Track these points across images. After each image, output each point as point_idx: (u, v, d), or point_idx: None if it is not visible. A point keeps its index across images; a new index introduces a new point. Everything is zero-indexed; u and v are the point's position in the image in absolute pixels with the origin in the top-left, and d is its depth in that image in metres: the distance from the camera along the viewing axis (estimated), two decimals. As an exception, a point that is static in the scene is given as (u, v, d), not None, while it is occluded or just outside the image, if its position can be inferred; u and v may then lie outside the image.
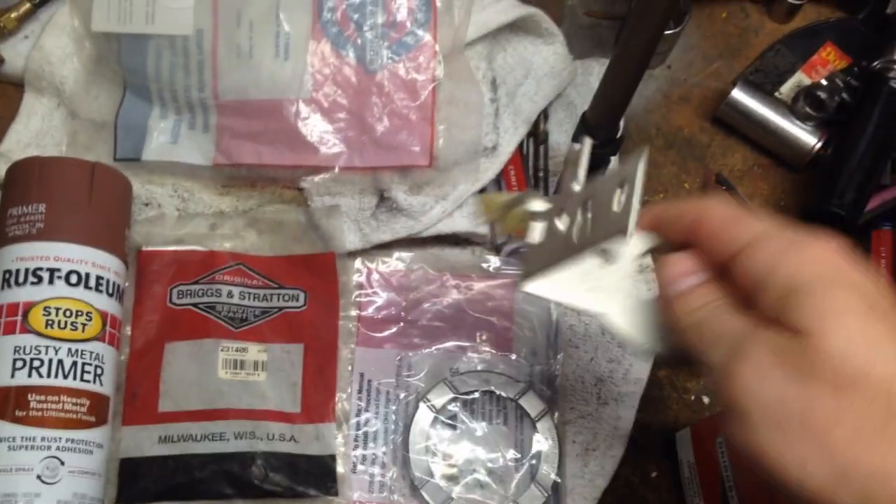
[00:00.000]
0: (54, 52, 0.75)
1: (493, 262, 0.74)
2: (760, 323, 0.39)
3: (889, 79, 0.75)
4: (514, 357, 0.71)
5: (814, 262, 0.38)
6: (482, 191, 0.75)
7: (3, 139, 0.75)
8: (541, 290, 0.47)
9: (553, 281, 0.46)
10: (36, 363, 0.60)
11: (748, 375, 0.37)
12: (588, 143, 0.52)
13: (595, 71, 0.81)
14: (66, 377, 0.61)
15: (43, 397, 0.60)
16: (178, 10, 0.72)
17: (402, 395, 0.70)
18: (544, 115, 0.79)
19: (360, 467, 0.68)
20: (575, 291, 0.46)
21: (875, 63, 0.77)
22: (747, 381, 0.37)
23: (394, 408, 0.70)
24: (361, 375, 0.70)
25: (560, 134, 0.79)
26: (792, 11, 0.86)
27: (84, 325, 0.62)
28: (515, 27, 0.78)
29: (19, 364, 0.60)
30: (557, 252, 0.46)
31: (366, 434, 0.69)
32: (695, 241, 0.44)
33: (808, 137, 0.79)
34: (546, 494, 0.66)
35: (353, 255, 0.73)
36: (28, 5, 0.77)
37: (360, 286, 0.73)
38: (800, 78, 0.83)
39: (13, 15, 0.77)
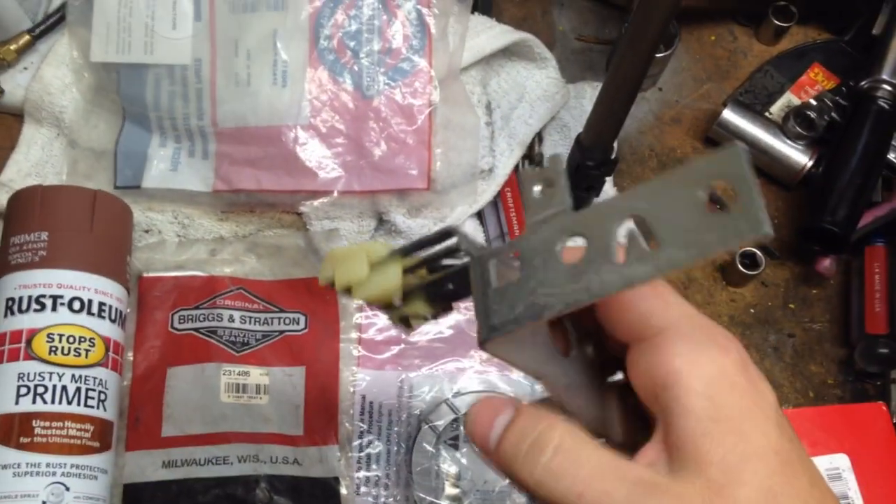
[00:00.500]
0: (53, 82, 0.76)
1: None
2: (642, 469, 0.34)
3: (877, 97, 0.77)
4: (514, 376, 0.72)
5: (725, 386, 0.34)
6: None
7: (3, 169, 0.76)
8: (503, 350, 0.36)
9: (515, 339, 0.35)
10: (40, 389, 0.61)
11: None
12: (562, 157, 0.40)
13: (587, 94, 0.83)
14: (70, 403, 0.61)
15: (47, 423, 0.60)
16: (176, 41, 0.73)
17: (404, 417, 0.70)
18: (539, 137, 0.80)
19: (363, 489, 0.68)
20: (531, 352, 0.37)
21: (863, 82, 0.78)
22: None
23: (396, 429, 0.70)
24: (363, 397, 0.71)
25: (555, 156, 0.80)
26: (779, 34, 0.88)
27: (87, 351, 0.63)
28: (509, 52, 0.79)
29: (23, 391, 0.60)
30: (555, 291, 0.33)
31: (369, 456, 0.69)
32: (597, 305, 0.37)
33: (799, 156, 0.80)
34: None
35: (352, 278, 0.74)
36: (27, 37, 0.78)
37: (361, 308, 0.73)
38: (789, 98, 0.84)
39: (12, 47, 0.77)
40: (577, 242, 0.33)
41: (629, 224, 0.32)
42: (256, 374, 0.69)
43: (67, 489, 0.60)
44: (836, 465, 0.59)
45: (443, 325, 0.73)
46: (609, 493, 0.32)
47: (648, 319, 0.35)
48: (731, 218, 0.29)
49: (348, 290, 0.40)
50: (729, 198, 0.30)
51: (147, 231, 0.74)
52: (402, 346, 0.72)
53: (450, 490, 0.68)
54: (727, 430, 0.33)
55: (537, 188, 0.36)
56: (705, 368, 0.34)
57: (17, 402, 0.60)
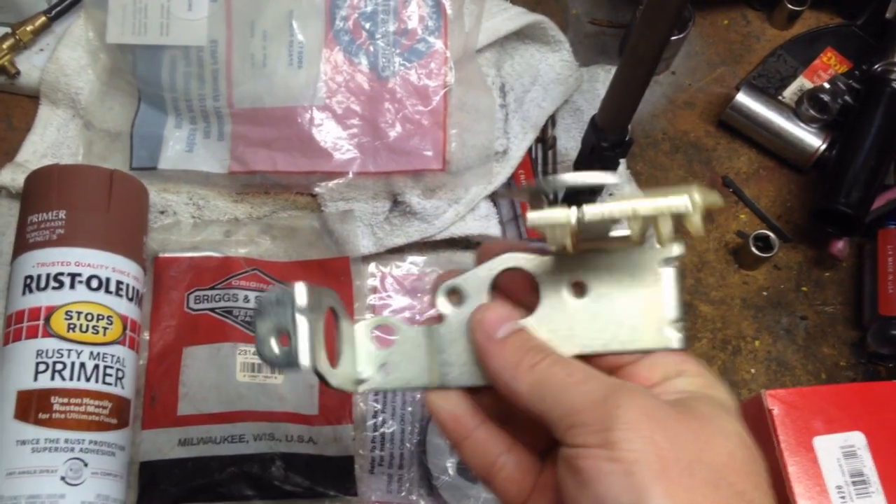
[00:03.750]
0: (70, 63, 0.76)
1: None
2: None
3: (890, 80, 0.77)
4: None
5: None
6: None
7: (19, 150, 0.76)
8: None
9: None
10: (58, 366, 0.61)
11: (638, 425, 0.34)
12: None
13: (601, 77, 0.83)
14: (88, 380, 0.62)
15: (66, 400, 0.61)
16: (192, 22, 0.73)
17: (418, 397, 0.70)
18: (552, 120, 0.80)
19: (377, 468, 0.69)
20: None
21: (876, 66, 0.78)
22: (638, 432, 0.34)
23: (410, 409, 0.70)
24: (377, 377, 0.71)
25: (568, 139, 0.80)
26: (792, 18, 0.88)
27: (105, 328, 0.63)
28: (523, 35, 0.79)
29: (42, 367, 0.61)
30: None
31: (383, 435, 0.69)
32: None
33: (812, 139, 0.80)
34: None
35: (367, 259, 0.74)
36: (43, 18, 0.78)
37: (375, 290, 0.74)
38: (802, 82, 0.84)
39: (28, 28, 0.78)
40: None
41: None
42: (272, 354, 0.69)
43: (85, 465, 0.60)
44: (851, 443, 0.59)
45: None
46: (593, 391, 0.36)
47: None
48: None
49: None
50: None
51: (162, 212, 0.74)
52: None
53: (463, 469, 0.68)
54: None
55: None
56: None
57: (35, 379, 0.61)
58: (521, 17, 0.76)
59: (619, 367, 0.40)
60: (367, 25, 0.72)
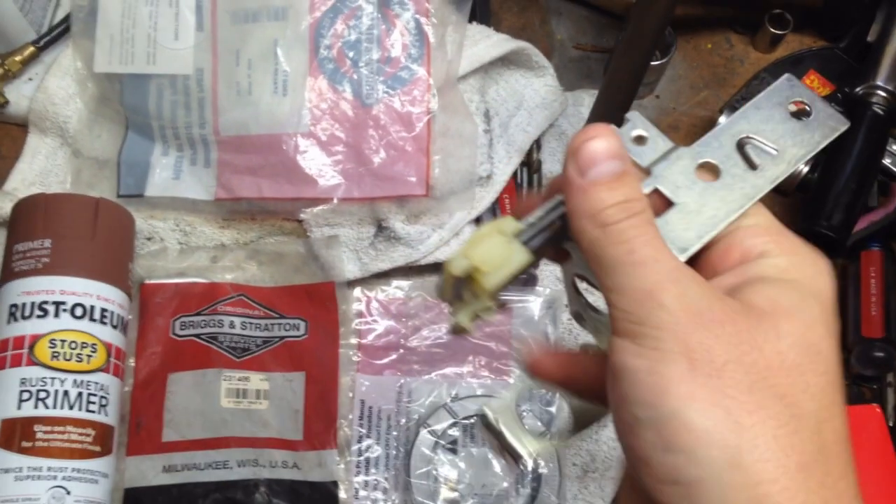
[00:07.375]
0: (58, 92, 0.77)
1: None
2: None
3: (872, 103, 0.77)
4: (512, 381, 0.72)
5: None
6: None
7: (8, 178, 0.77)
8: None
9: None
10: (42, 394, 0.61)
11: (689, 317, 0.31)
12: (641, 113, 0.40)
13: (585, 101, 0.83)
14: (71, 408, 0.62)
15: (49, 428, 0.61)
16: (178, 51, 0.74)
17: (402, 421, 0.71)
18: (537, 144, 0.81)
19: (362, 493, 0.69)
20: None
21: (858, 89, 0.79)
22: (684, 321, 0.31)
23: (395, 433, 0.71)
24: (362, 402, 0.71)
25: (553, 163, 0.81)
26: (775, 41, 0.89)
27: (89, 356, 0.64)
28: (507, 61, 0.80)
29: (25, 396, 0.61)
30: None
31: (367, 460, 0.70)
32: None
33: (795, 162, 0.80)
34: (547, 516, 0.67)
35: (352, 284, 0.75)
36: (32, 48, 0.79)
37: (360, 314, 0.74)
38: (785, 105, 0.85)
39: (17, 58, 0.79)
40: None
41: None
42: (256, 380, 0.70)
43: (68, 493, 0.60)
44: (830, 467, 0.59)
45: (441, 331, 0.73)
46: (644, 278, 0.32)
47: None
48: (818, 121, 0.38)
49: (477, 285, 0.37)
50: (805, 111, 0.38)
51: (149, 238, 0.75)
52: (401, 351, 0.73)
53: (447, 494, 0.68)
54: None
55: (633, 146, 0.38)
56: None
57: (19, 407, 0.61)
58: (504, 44, 0.77)
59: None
60: (351, 54, 0.73)
